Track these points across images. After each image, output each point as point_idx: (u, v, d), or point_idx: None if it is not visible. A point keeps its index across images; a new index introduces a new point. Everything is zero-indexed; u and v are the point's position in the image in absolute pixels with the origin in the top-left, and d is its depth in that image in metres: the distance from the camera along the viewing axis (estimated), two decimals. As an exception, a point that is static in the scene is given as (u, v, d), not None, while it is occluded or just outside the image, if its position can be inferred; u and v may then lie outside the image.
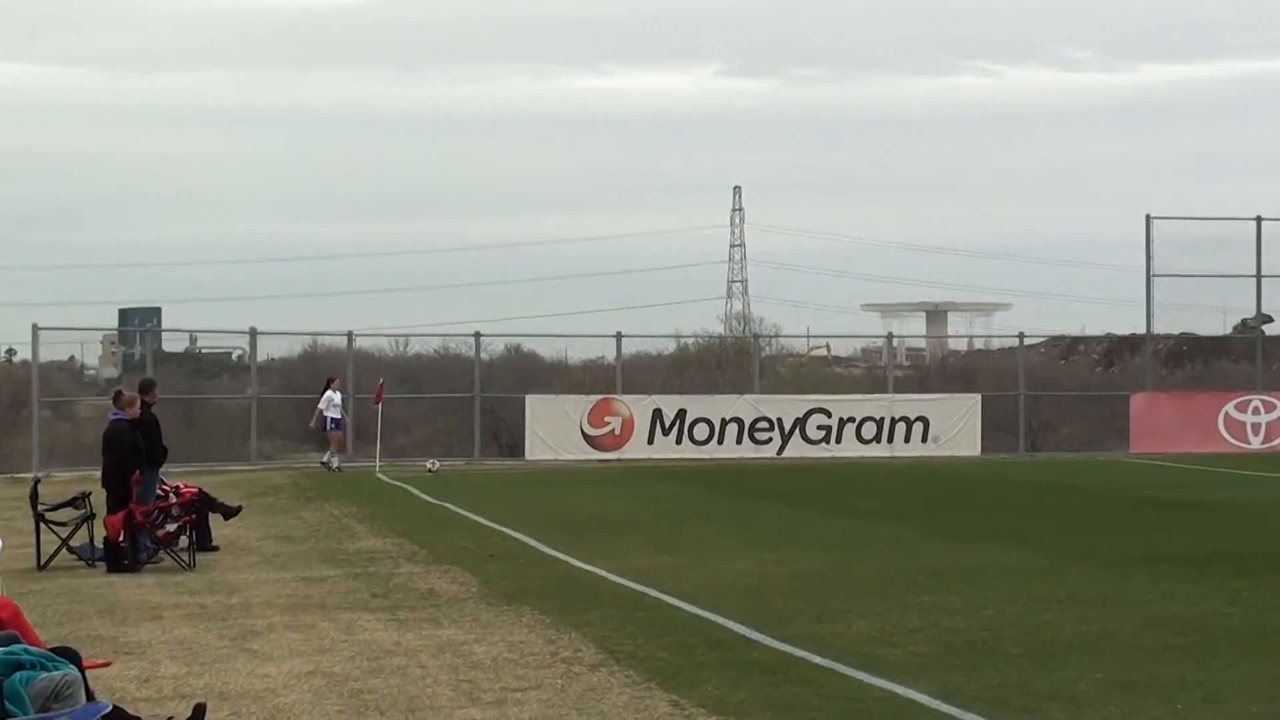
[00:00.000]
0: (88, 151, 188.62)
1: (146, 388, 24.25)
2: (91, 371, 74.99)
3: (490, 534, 25.81)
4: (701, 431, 46.52)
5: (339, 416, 43.03)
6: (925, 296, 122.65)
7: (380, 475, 40.10)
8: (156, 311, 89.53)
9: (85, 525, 22.82)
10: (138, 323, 78.52)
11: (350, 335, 48.32)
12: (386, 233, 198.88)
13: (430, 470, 41.49)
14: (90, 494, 23.32)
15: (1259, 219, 50.37)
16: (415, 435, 51.55)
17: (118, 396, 23.31)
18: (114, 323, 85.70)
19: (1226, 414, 49.03)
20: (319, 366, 54.98)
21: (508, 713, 12.42)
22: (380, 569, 21.53)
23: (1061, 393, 55.77)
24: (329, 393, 42.94)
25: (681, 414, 46.58)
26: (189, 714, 10.58)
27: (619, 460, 45.23)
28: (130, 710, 12.22)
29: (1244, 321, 63.45)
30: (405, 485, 36.68)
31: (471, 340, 48.88)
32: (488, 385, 48.73)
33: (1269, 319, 53.34)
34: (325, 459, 42.87)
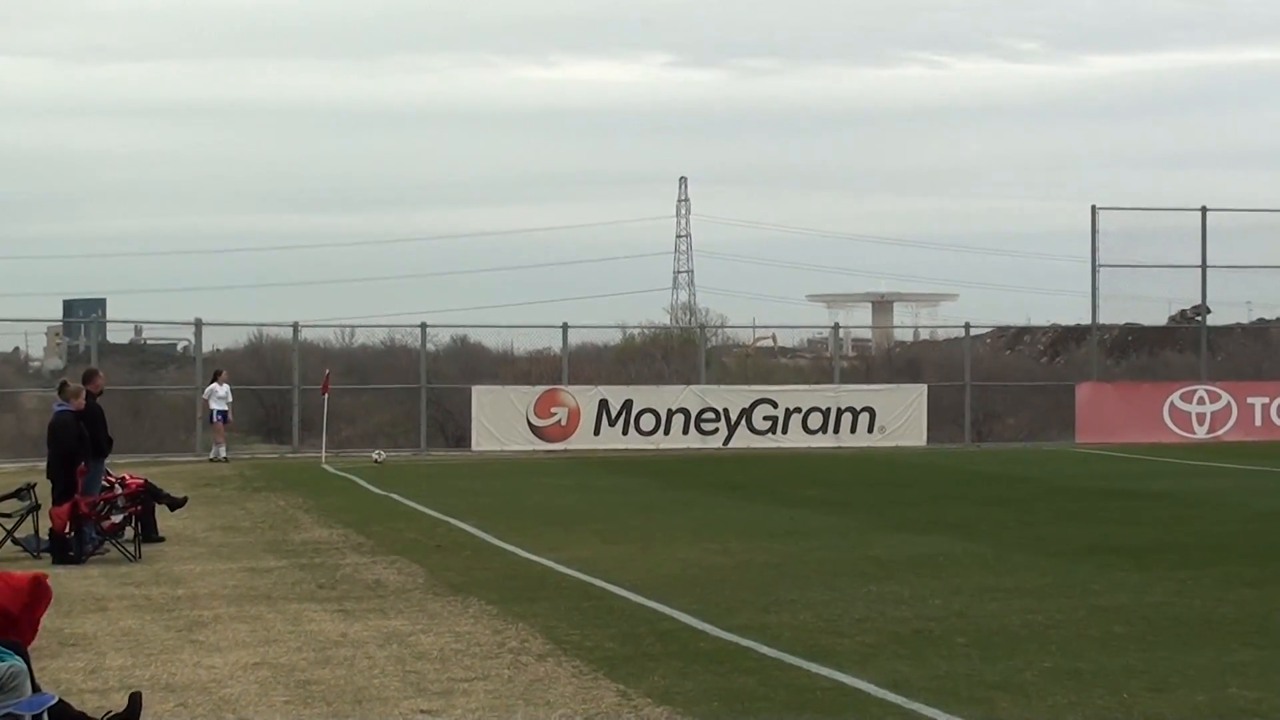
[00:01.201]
0: (32, 143, 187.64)
1: (89, 377, 24.11)
2: (36, 363, 74.78)
3: (437, 525, 25.77)
4: (648, 422, 46.55)
5: (224, 409, 42.95)
6: (871, 287, 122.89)
7: (326, 466, 40.02)
8: (101, 303, 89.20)
9: (30, 517, 22.71)
10: (82, 314, 78.20)
11: (296, 326, 48.16)
12: (332, 224, 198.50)
13: (376, 461, 41.42)
14: (35, 485, 23.22)
15: (1204, 209, 50.60)
16: (361, 426, 51.48)
17: (63, 387, 23.20)
18: (58, 314, 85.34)
19: (1172, 404, 49.28)
20: (264, 358, 54.88)
21: (455, 703, 12.39)
22: (327, 560, 21.47)
23: (1007, 383, 55.98)
24: (214, 384, 42.91)
25: (628, 404, 46.60)
26: (125, 705, 10.50)
27: (565, 451, 45.21)
28: (75, 703, 12.16)
29: (1182, 312, 63.84)
30: (351, 476, 36.60)
31: (418, 331, 48.81)
32: (434, 376, 48.69)
33: (1208, 310, 53.60)
34: (211, 454, 42.83)
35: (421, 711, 12.13)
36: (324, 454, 41.96)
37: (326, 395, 42.23)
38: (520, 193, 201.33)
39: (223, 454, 42.64)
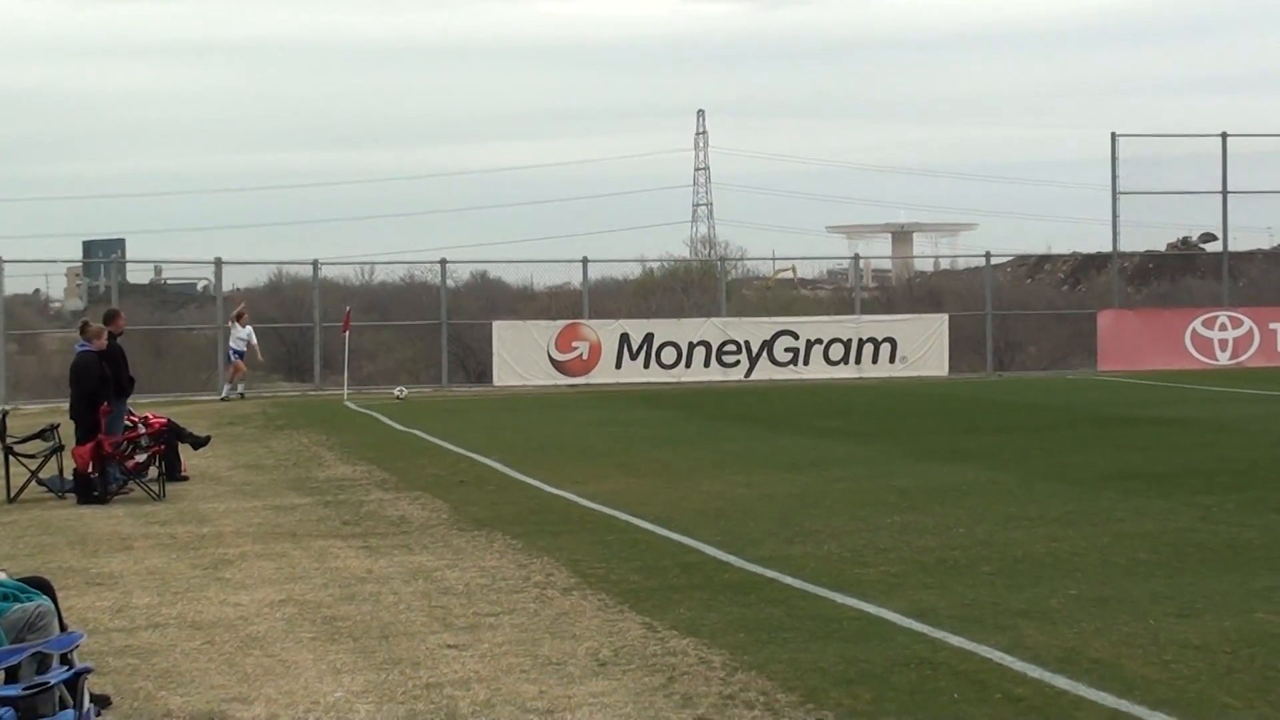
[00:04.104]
0: (51, 84, 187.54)
1: (111, 318, 24.11)
2: (56, 304, 74.82)
3: (459, 460, 25.79)
4: (669, 355, 46.50)
5: (241, 349, 42.90)
6: (891, 218, 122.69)
7: (348, 403, 40.05)
8: (121, 243, 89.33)
9: (54, 457, 22.75)
10: (102, 255, 78.24)
11: (316, 264, 48.13)
12: (351, 161, 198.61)
13: (398, 398, 41.46)
14: (59, 426, 23.25)
15: (1224, 135, 50.37)
16: (382, 363, 51.61)
17: (84, 328, 23.20)
18: (78, 255, 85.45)
19: (1194, 330, 49.14)
20: (285, 296, 54.96)
21: (481, 638, 12.41)
22: (351, 496, 21.50)
23: (1028, 312, 55.91)
24: (234, 324, 42.85)
25: (649, 338, 46.55)
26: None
27: (587, 385, 45.21)
28: (102, 642, 12.21)
29: (1183, 240, 63.67)
30: (373, 413, 36.63)
31: (437, 268, 48.75)
32: (454, 312, 48.67)
33: (1213, 237, 53.45)
34: (226, 391, 42.87)
35: (448, 646, 12.15)
36: (346, 391, 41.99)
37: (348, 333, 42.23)
38: (539, 127, 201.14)
39: (236, 392, 42.57)
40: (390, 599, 14.11)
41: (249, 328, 42.98)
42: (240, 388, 42.96)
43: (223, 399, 42.31)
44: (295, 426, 33.29)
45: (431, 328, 48.02)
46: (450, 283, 49.39)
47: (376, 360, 52.00)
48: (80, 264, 77.64)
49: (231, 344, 42.92)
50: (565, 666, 11.44)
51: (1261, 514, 17.96)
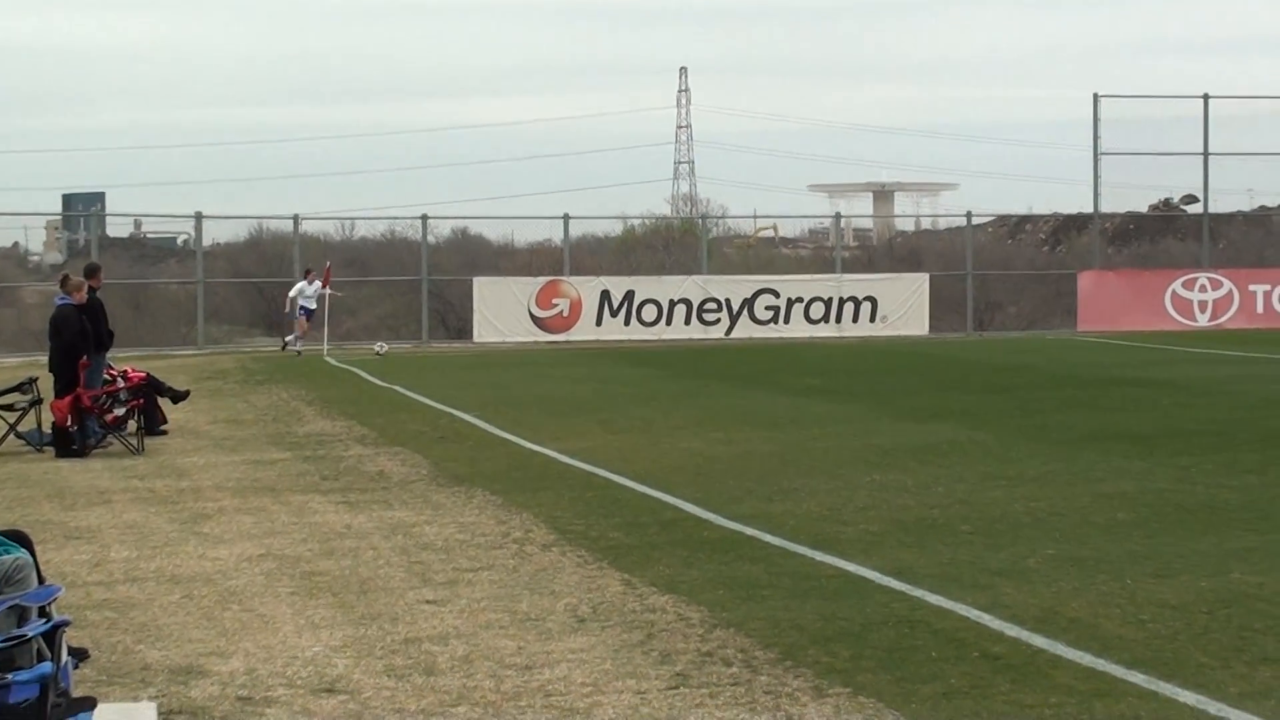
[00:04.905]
0: (31, 36, 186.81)
1: (92, 272, 24.06)
2: (36, 257, 74.61)
3: (439, 416, 25.78)
4: (649, 313, 46.51)
5: (311, 308, 42.78)
6: (872, 177, 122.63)
7: (328, 359, 40.03)
8: (100, 196, 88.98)
9: (33, 410, 22.71)
10: (82, 208, 77.95)
11: (296, 219, 48.08)
12: (333, 116, 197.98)
13: (379, 353, 41.45)
14: (37, 379, 23.21)
15: (1206, 97, 50.42)
16: (362, 319, 51.55)
17: (64, 281, 23.15)
18: (58, 208, 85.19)
19: (1173, 292, 49.23)
20: (265, 250, 54.86)
21: (460, 593, 12.41)
22: (330, 452, 21.48)
23: (1009, 272, 55.94)
24: (302, 283, 42.73)
25: (629, 295, 46.55)
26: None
27: (567, 342, 45.20)
28: (80, 595, 12.22)
29: (1166, 201, 63.75)
30: (353, 368, 36.61)
31: (418, 223, 48.72)
32: (434, 268, 48.66)
33: (1194, 199, 53.53)
34: (289, 340, 42.82)
35: (427, 602, 12.15)
36: (326, 346, 41.94)
37: (328, 288, 42.17)
38: (521, 84, 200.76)
39: (296, 348, 42.42)
40: (369, 554, 14.11)
41: (317, 283, 42.70)
42: (299, 345, 42.59)
43: (283, 348, 42.19)
44: (275, 381, 33.26)
45: (412, 284, 48.01)
46: (431, 239, 49.43)
47: (357, 315, 51.93)
48: (60, 217, 77.38)
49: (301, 301, 42.67)
50: (544, 622, 11.44)
51: (1239, 475, 18.00)
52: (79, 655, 10.07)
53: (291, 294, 43.05)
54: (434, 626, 11.37)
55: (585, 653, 10.59)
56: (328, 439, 23.00)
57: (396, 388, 31.11)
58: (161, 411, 24.22)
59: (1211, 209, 53.53)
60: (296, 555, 14.14)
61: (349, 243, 59.01)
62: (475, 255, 55.95)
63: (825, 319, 47.43)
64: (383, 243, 58.48)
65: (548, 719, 9.23)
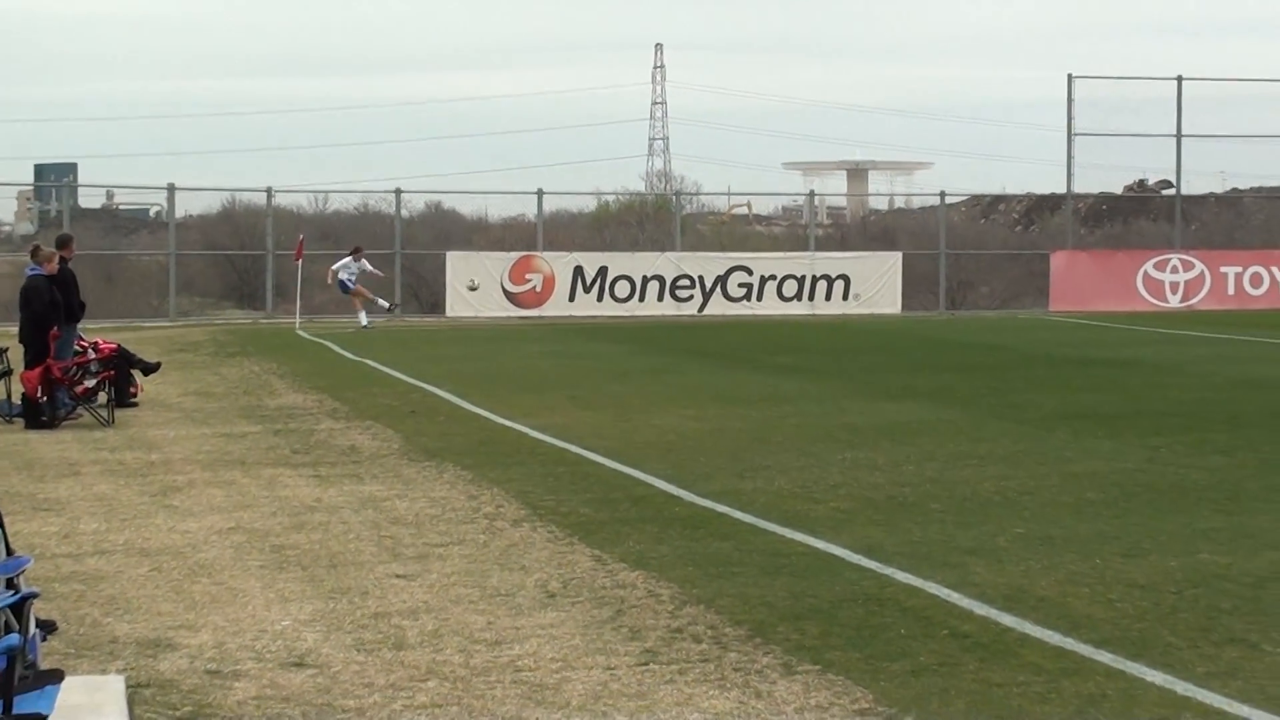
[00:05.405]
0: (2, 5, 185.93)
1: (64, 243, 24.00)
2: (7, 228, 74.29)
3: (411, 391, 25.74)
4: (623, 289, 46.45)
5: (347, 280, 42.40)
6: (846, 155, 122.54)
7: (300, 332, 39.94)
8: (73, 167, 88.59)
9: (3, 381, 22.64)
10: (54, 178, 77.66)
11: (269, 192, 47.98)
12: (307, 89, 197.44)
13: (390, 309, 41.90)
14: (7, 350, 23.12)
15: (1180, 79, 50.49)
16: (335, 292, 51.35)
17: (35, 252, 23.07)
18: (29, 179, 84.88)
19: (1145, 273, 49.29)
20: (238, 223, 54.73)
21: (430, 568, 12.41)
22: (301, 425, 21.45)
23: (982, 251, 55.98)
24: (348, 259, 42.44)
25: (603, 271, 46.47)
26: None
27: (540, 317, 45.16)
28: (49, 567, 12.18)
29: (1140, 182, 63.92)
30: (325, 342, 36.55)
31: (392, 197, 48.64)
32: (408, 242, 48.55)
33: (1168, 183, 53.70)
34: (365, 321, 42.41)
35: (397, 576, 12.15)
36: (298, 319, 41.86)
37: (300, 261, 42.06)
38: (496, 58, 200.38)
39: (364, 321, 42.23)
40: (339, 528, 14.10)
41: (364, 261, 42.43)
42: (367, 319, 42.20)
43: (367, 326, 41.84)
44: (246, 354, 33.18)
45: (385, 257, 47.89)
46: (405, 213, 49.29)
47: (329, 289, 51.82)
48: (31, 188, 77.04)
49: (344, 275, 42.27)
50: (514, 598, 11.45)
51: (1208, 455, 18.06)
52: (47, 627, 10.04)
53: (335, 267, 42.56)
54: (404, 601, 11.37)
55: (555, 628, 10.59)
56: (299, 412, 22.96)
57: (368, 362, 31.07)
58: (137, 383, 24.18)
59: (1184, 191, 53.61)
60: (266, 529, 14.12)
61: (322, 216, 58.87)
62: (449, 230, 55.89)
63: (798, 297, 47.41)
64: (356, 216, 58.38)
65: (517, 694, 9.23)
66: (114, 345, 24.45)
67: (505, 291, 45.75)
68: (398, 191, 48.27)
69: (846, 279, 47.74)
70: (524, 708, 8.99)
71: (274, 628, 10.67)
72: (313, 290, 44.79)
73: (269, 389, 26.34)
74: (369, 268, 42.57)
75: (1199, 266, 49.55)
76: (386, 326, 42.77)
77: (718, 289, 46.96)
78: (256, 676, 9.60)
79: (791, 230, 72.84)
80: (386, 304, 43.20)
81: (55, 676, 8.81)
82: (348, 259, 42.55)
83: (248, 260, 51.92)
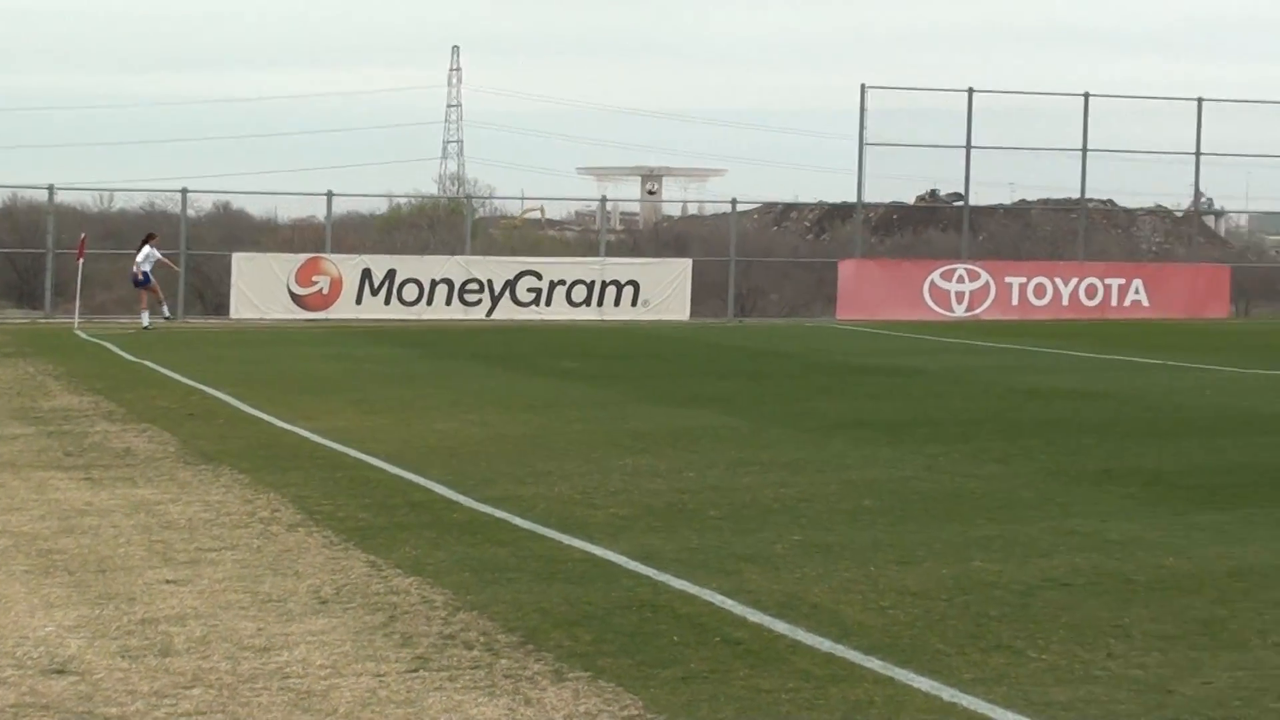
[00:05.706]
0: None
1: None
2: None
3: (190, 393, 25.39)
4: (410, 292, 46.19)
5: (146, 271, 41.27)
6: (641, 160, 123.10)
7: (79, 332, 39.29)
8: None
9: None
10: None
11: (51, 189, 47.10)
12: (93, 85, 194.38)
13: (166, 319, 40.98)
14: None
15: (970, 90, 51.26)
16: (117, 292, 50.61)
17: None
18: None
19: (932, 282, 49.91)
20: (18, 220, 53.81)
21: (202, 573, 12.21)
22: (75, 427, 21.05)
23: (771, 259, 56.41)
24: (147, 249, 41.31)
25: (391, 274, 46.18)
26: None
27: (326, 320, 44.79)
28: None
29: (932, 192, 64.91)
30: (105, 343, 35.96)
31: (178, 196, 47.98)
32: (194, 242, 47.94)
33: (959, 197, 54.58)
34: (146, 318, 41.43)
35: (167, 581, 11.93)
36: (77, 320, 41.17)
37: (82, 260, 41.35)
38: (288, 57, 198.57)
39: (150, 319, 41.30)
40: (110, 532, 13.83)
41: (146, 248, 41.26)
42: (147, 319, 41.22)
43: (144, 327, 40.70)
44: (23, 355, 32.55)
45: (169, 258, 47.24)
46: (191, 212, 48.65)
47: (112, 289, 51.05)
48: None
49: (146, 267, 41.00)
50: (285, 604, 11.29)
51: (985, 464, 18.28)
52: None
53: (139, 259, 41.49)
54: (172, 607, 11.17)
55: (325, 635, 10.46)
56: (74, 414, 22.54)
57: (148, 363, 30.60)
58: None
59: (974, 202, 54.42)
60: (34, 532, 13.82)
61: (107, 215, 58.10)
62: (236, 230, 55.41)
63: (587, 302, 47.44)
64: (142, 215, 57.64)
65: (284, 701, 9.09)
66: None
67: (291, 293, 45.29)
68: (184, 191, 47.66)
69: (636, 285, 47.86)
70: (290, 715, 8.86)
71: (36, 634, 10.43)
72: (93, 290, 44.07)
73: (44, 390, 25.84)
74: (159, 255, 41.63)
75: (984, 276, 50.27)
76: (169, 328, 42.16)
77: (506, 293, 46.85)
78: (15, 684, 9.36)
79: (584, 235, 72.98)
80: (168, 313, 42.25)
81: None
82: (147, 249, 41.54)
83: (27, 259, 50.99)
